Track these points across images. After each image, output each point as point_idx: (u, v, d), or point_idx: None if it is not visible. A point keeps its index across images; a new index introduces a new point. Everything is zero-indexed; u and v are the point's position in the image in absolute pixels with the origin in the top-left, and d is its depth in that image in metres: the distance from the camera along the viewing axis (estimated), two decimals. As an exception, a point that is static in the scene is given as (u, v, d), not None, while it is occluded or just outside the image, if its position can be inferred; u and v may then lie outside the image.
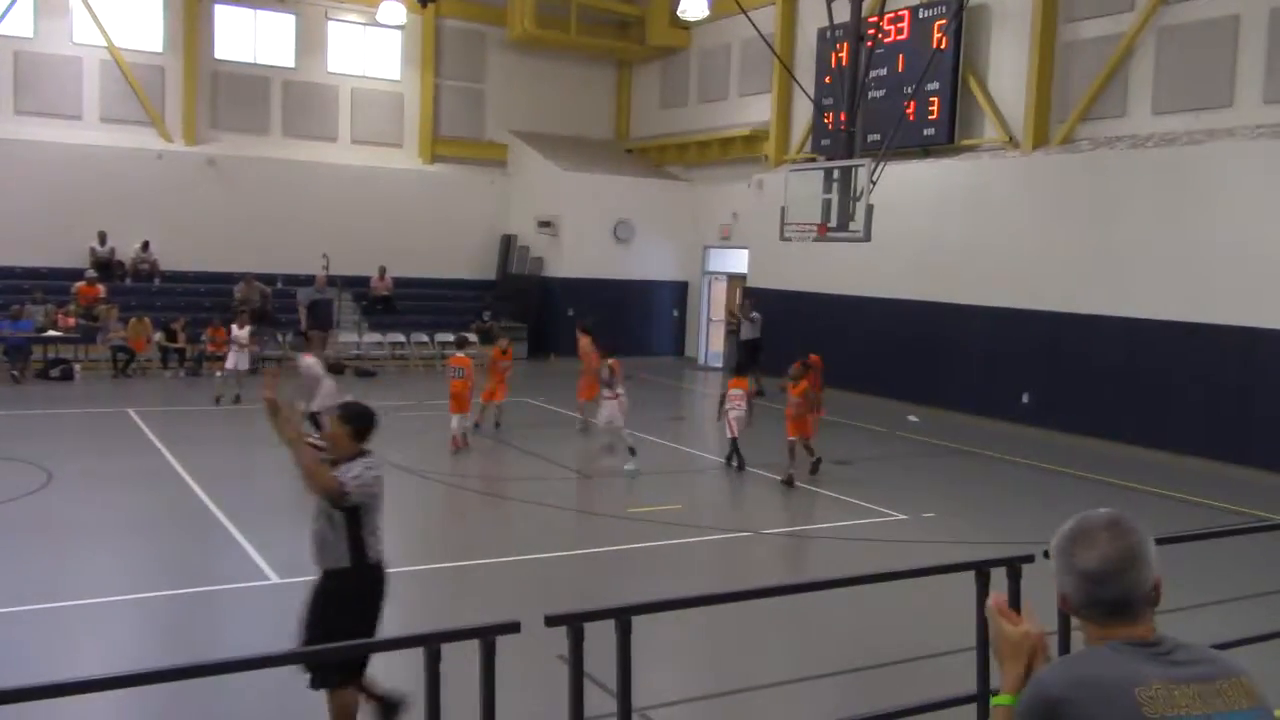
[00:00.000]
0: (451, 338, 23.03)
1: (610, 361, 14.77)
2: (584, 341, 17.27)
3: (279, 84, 26.88)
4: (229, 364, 19.10)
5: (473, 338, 18.73)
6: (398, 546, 11.21)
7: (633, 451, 14.28)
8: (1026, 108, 19.48)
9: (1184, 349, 16.38)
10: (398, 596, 9.61)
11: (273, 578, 9.31)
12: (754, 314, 23.09)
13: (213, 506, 11.61)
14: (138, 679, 3.87)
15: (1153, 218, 16.91)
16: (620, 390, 14.61)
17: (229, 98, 26.33)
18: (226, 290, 24.53)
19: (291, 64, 26.97)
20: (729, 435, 14.66)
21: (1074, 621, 2.43)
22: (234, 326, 19.64)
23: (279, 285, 25.51)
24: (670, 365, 27.04)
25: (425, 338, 25.81)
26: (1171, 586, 2.46)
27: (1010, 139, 19.91)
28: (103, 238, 24.53)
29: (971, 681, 5.64)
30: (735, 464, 14.63)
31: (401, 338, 25.70)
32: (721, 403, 14.86)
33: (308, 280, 24.76)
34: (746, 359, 20.08)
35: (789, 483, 13.63)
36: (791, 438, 14.00)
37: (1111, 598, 2.31)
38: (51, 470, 12.96)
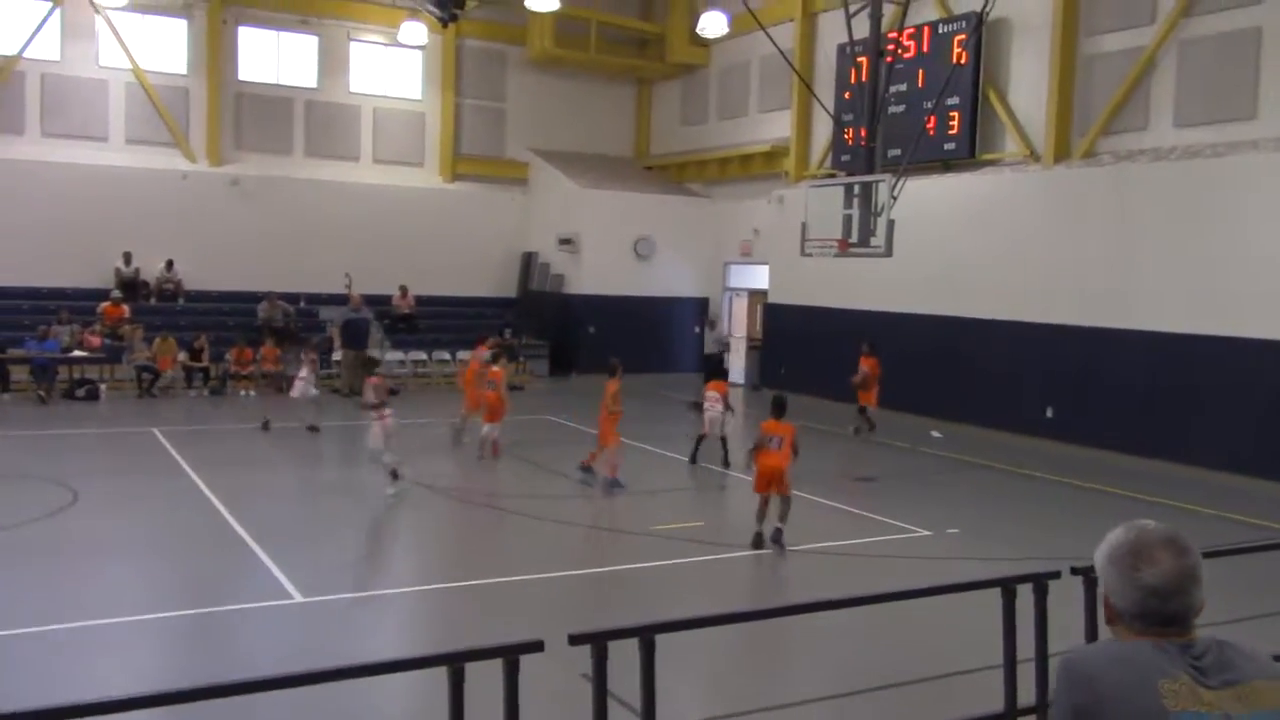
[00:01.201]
0: (468, 354, 23.04)
1: (373, 380, 13.69)
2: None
3: (301, 104, 27.10)
4: (295, 392, 18.48)
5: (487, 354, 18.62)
6: (419, 565, 11.27)
7: (395, 475, 13.30)
8: (1047, 121, 19.41)
9: (1208, 363, 16.23)
10: (418, 616, 9.66)
11: (297, 597, 9.32)
12: (719, 327, 23.70)
13: (237, 526, 11.65)
14: (162, 699, 3.87)
15: (1176, 231, 16.80)
16: (388, 411, 13.41)
17: (252, 118, 26.56)
18: (250, 309, 24.68)
19: (314, 84, 27.19)
20: (701, 432, 15.47)
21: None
22: (303, 353, 19.12)
23: (302, 304, 25.66)
24: (692, 382, 27.00)
25: (447, 355, 25.88)
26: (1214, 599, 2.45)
27: (1031, 153, 19.84)
28: (128, 258, 24.74)
29: (999, 699, 5.59)
30: (692, 460, 15.49)
31: (423, 355, 25.78)
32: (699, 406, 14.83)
33: (336, 300, 24.85)
34: (716, 366, 21.23)
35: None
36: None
37: (1172, 612, 2.36)
38: (77, 490, 13.04)
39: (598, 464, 14.39)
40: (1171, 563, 2.36)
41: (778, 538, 11.20)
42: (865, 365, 19.11)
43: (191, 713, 5.29)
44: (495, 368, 16.67)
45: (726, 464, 15.33)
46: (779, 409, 11.46)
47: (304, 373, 18.36)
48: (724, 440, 15.83)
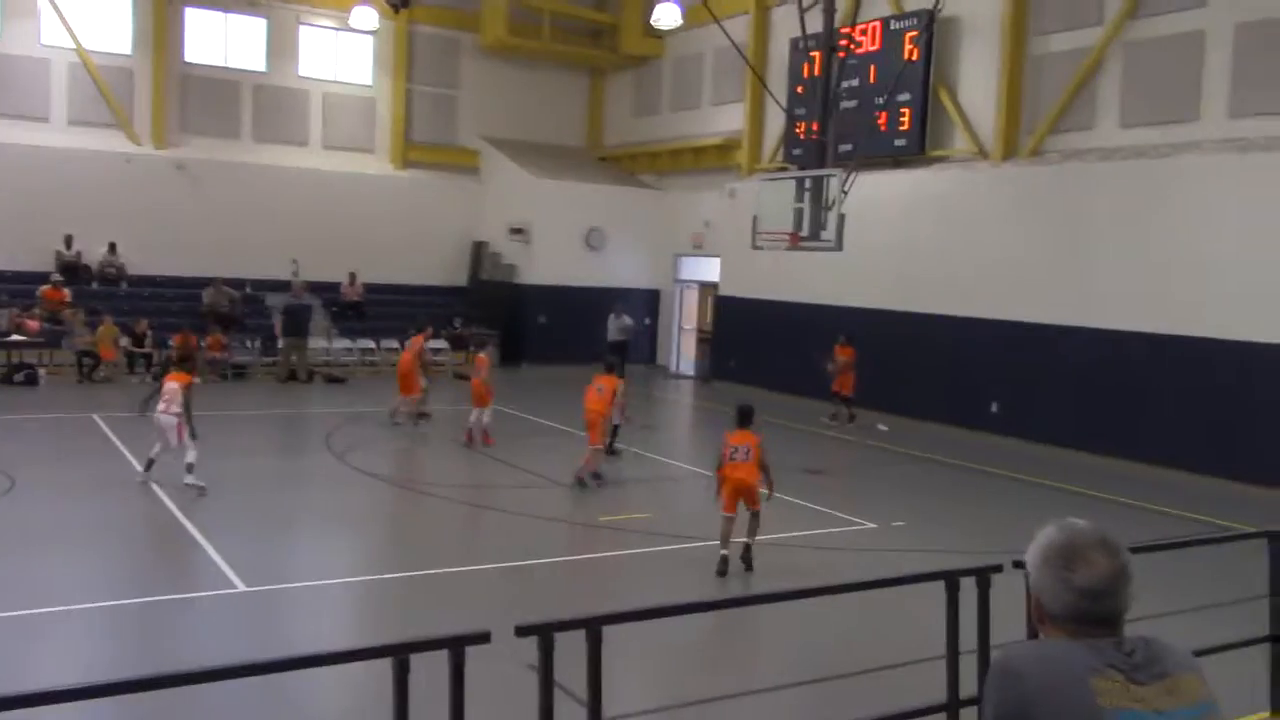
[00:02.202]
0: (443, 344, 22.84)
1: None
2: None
3: (249, 88, 26.71)
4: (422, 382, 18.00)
5: (442, 345, 18.55)
6: (367, 554, 11.18)
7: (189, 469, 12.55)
8: (996, 119, 19.66)
9: (1150, 359, 16.54)
10: (365, 606, 9.59)
11: (240, 586, 9.21)
12: (624, 317, 24.13)
13: (179, 514, 11.48)
14: (99, 690, 3.81)
15: (1120, 229, 17.09)
16: (177, 410, 12.55)
17: (199, 101, 26.13)
18: (194, 295, 24.33)
19: (262, 68, 26.80)
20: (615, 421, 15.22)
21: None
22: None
23: (248, 290, 25.33)
24: (642, 374, 27.04)
25: (396, 344, 25.65)
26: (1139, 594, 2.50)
27: (980, 150, 20.07)
28: (69, 241, 24.26)
29: (941, 691, 5.66)
30: (609, 450, 15.27)
31: (372, 344, 25.56)
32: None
33: (278, 286, 24.59)
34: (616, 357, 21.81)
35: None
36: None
37: (1104, 613, 2.38)
38: (14, 477, 12.78)
39: (591, 464, 13.93)
40: (1105, 564, 2.38)
41: (747, 557, 10.33)
42: (842, 355, 20.00)
43: (131, 705, 5.20)
44: (481, 354, 17.02)
45: (612, 450, 15.30)
46: (745, 418, 10.50)
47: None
48: (614, 428, 15.44)
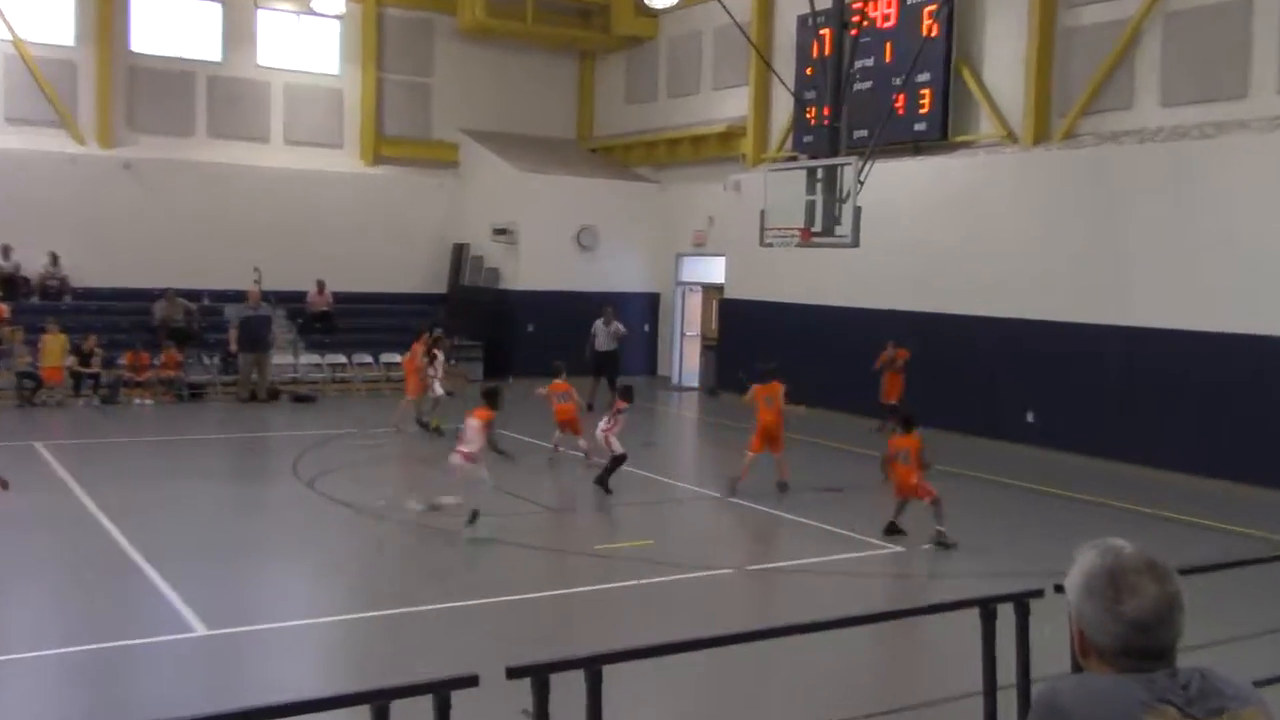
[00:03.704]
0: (398, 358, 22.86)
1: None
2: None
3: (204, 80, 26.73)
4: (438, 390, 19.89)
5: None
6: (338, 592, 11.14)
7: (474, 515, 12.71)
8: (1025, 100, 19.69)
9: (1196, 361, 16.52)
10: (339, 649, 9.55)
11: (199, 629, 9.17)
12: (615, 323, 23.74)
13: (131, 550, 11.44)
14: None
15: (1162, 218, 17.09)
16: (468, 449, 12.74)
17: (148, 96, 26.15)
18: (146, 308, 24.29)
19: (218, 58, 26.83)
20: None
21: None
22: (437, 353, 20.17)
23: (205, 302, 25.31)
24: (642, 386, 27.02)
25: (369, 358, 25.66)
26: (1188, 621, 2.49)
27: (1008, 134, 20.10)
28: (6, 251, 24.24)
29: (978, 730, 5.64)
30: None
31: (342, 359, 25.55)
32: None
33: (238, 297, 24.56)
34: (603, 367, 22.59)
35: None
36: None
37: (1155, 647, 2.36)
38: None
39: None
40: (1155, 592, 2.36)
41: (941, 541, 12.33)
42: (900, 356, 20.14)
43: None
44: (559, 382, 17.01)
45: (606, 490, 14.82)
46: (908, 424, 12.77)
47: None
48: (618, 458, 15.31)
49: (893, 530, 12.74)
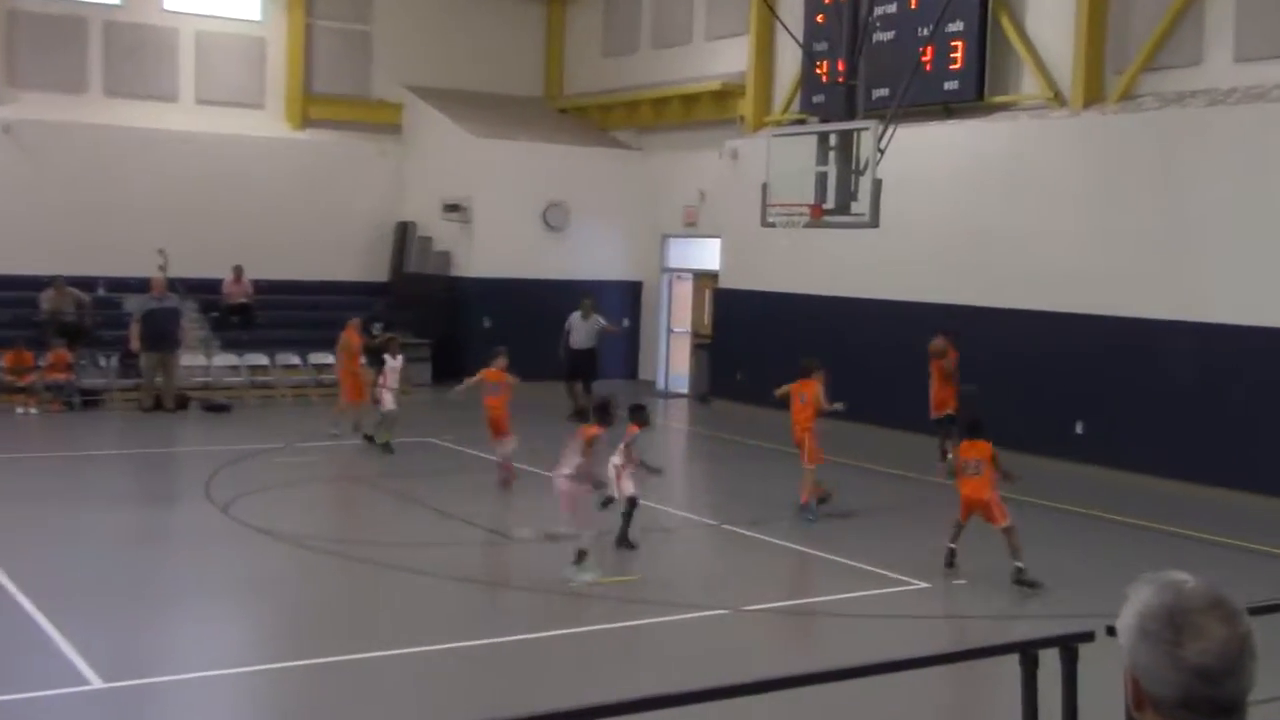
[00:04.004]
0: (330, 359, 22.88)
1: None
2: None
3: (99, 26, 26.66)
4: (388, 404, 19.09)
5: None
6: (260, 637, 11.13)
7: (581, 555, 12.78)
8: (1075, 55, 19.74)
9: (1276, 362, 16.63)
10: (262, 704, 9.53)
11: (95, 682, 9.14)
12: (595, 316, 23.95)
13: (12, 587, 11.40)
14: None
15: (1237, 194, 17.18)
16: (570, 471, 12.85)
17: (31, 45, 26.05)
18: (30, 299, 24.19)
19: (116, 0, 26.77)
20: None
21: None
22: (387, 357, 19.43)
23: (100, 292, 25.22)
24: (621, 391, 27.02)
25: (296, 359, 25.59)
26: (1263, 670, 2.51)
27: (1055, 95, 20.17)
28: None
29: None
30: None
31: (264, 360, 25.48)
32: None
33: (141, 286, 24.47)
34: (580, 369, 22.98)
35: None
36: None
37: (1223, 699, 2.35)
38: None
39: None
40: (1222, 634, 2.34)
41: (1022, 579, 12.23)
42: (951, 356, 18.96)
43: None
44: (496, 369, 16.89)
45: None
46: (975, 429, 12.85)
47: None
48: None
49: (952, 561, 12.68)
